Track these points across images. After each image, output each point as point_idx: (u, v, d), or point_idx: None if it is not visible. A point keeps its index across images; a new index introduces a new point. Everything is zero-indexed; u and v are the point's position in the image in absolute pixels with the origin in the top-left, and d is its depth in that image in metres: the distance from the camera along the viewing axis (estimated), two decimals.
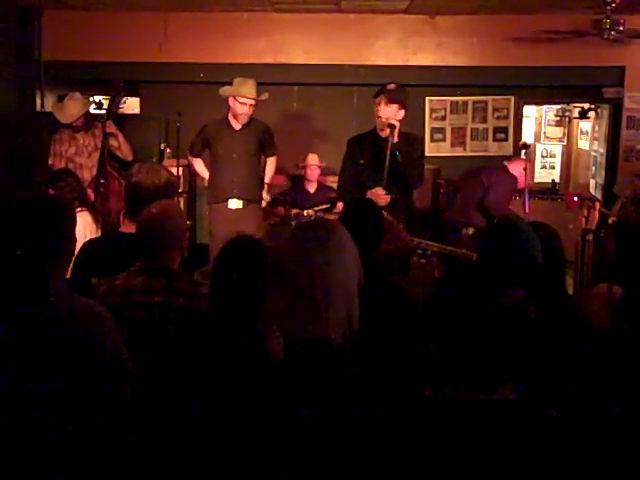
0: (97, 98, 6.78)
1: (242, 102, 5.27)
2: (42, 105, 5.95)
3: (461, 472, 1.50)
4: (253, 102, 5.29)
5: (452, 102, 7.26)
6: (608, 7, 5.40)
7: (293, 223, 5.47)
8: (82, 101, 5.81)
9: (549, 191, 8.33)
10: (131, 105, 7.41)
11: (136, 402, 2.15)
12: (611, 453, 2.03)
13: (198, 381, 1.98)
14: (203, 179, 5.76)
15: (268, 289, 2.09)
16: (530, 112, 8.96)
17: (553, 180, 8.96)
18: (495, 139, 7.29)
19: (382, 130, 4.33)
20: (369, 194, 4.19)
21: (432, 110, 7.27)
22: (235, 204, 5.40)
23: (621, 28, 5.54)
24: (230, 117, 5.39)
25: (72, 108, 5.70)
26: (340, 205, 5.45)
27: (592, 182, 7.89)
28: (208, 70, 6.68)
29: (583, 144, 8.88)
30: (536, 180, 8.85)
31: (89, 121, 5.82)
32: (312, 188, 6.33)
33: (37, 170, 5.85)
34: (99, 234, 4.36)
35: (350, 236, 2.22)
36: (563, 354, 2.27)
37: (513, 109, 7.26)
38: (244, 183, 5.41)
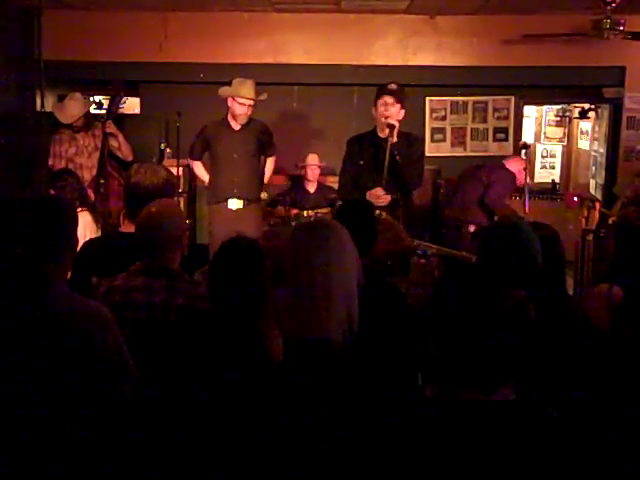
0: (97, 98, 6.79)
1: (241, 103, 5.27)
2: (42, 105, 5.94)
3: (461, 472, 1.50)
4: (252, 103, 5.29)
5: (452, 102, 7.25)
6: (608, 7, 5.39)
7: (293, 223, 5.47)
8: (82, 101, 5.81)
9: (549, 191, 8.33)
10: (131, 105, 7.41)
11: (136, 402, 2.15)
12: (611, 453, 2.03)
13: (198, 381, 1.98)
14: (203, 182, 5.76)
15: (268, 289, 2.09)
16: (530, 112, 8.95)
17: (553, 180, 8.95)
18: (495, 139, 7.29)
19: (382, 130, 4.33)
20: (368, 195, 4.19)
21: (432, 110, 7.27)
22: (235, 204, 5.40)
23: (621, 28, 5.54)
24: (229, 118, 5.39)
25: (72, 108, 5.71)
26: None
27: (592, 182, 7.88)
28: (208, 70, 6.67)
29: (583, 144, 8.87)
30: (536, 180, 8.85)
31: (89, 121, 5.82)
32: (312, 188, 6.33)
33: (37, 170, 5.84)
34: (99, 234, 4.36)
35: (350, 236, 2.22)
36: (563, 354, 2.27)
37: (513, 109, 7.26)
38: (244, 183, 5.41)
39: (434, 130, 7.28)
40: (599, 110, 7.71)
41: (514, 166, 5.73)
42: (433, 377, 1.64)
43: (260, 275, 2.07)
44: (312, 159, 6.26)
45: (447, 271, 3.55)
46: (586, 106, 8.01)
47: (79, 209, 4.09)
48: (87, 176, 5.50)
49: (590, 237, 4.66)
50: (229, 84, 5.40)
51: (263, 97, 5.38)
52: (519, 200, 5.97)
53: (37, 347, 1.97)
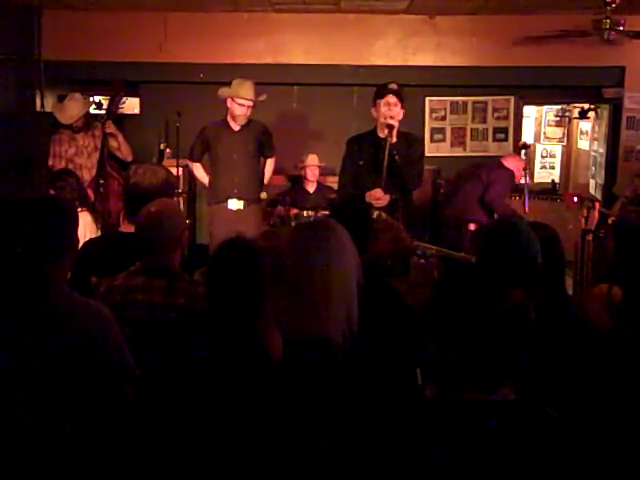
0: (97, 98, 6.78)
1: (240, 103, 5.27)
2: (42, 105, 5.95)
3: (461, 472, 1.50)
4: (251, 103, 5.29)
5: (452, 102, 7.26)
6: (608, 7, 5.40)
7: (293, 223, 5.47)
8: (82, 102, 5.81)
9: (549, 191, 8.33)
10: (131, 105, 7.40)
11: (136, 402, 2.15)
12: (611, 453, 2.03)
13: (198, 381, 1.98)
14: (203, 184, 5.75)
15: (268, 289, 2.09)
16: (530, 112, 8.95)
17: (553, 180, 8.96)
18: (495, 139, 7.30)
19: (382, 130, 4.33)
20: (367, 196, 4.18)
21: (432, 110, 7.28)
22: (236, 204, 5.40)
23: (621, 28, 5.55)
24: (229, 118, 5.39)
25: (72, 109, 5.71)
26: None
27: (592, 182, 7.89)
28: (208, 70, 6.68)
29: (583, 144, 8.88)
30: (536, 180, 8.86)
31: (89, 121, 5.82)
32: (312, 188, 6.33)
33: (37, 170, 5.85)
34: (99, 234, 4.37)
35: (349, 236, 2.22)
36: (563, 354, 2.27)
37: (513, 109, 7.26)
38: (244, 183, 5.41)
39: (434, 130, 7.29)
40: (599, 110, 7.71)
41: (512, 164, 5.80)
42: (433, 377, 1.64)
43: (258, 275, 2.07)
44: (312, 159, 6.26)
45: (447, 271, 3.55)
46: (586, 106, 8.01)
47: (79, 209, 4.09)
48: (87, 176, 5.50)
49: (590, 237, 4.65)
50: (229, 84, 5.40)
51: (262, 98, 5.38)
52: (519, 200, 5.98)
53: (37, 347, 1.97)
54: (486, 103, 7.25)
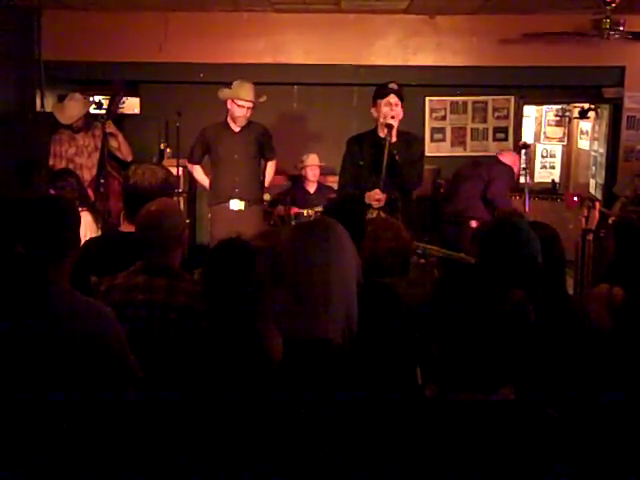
0: (97, 98, 6.78)
1: (240, 105, 5.27)
2: (42, 105, 5.95)
3: (461, 472, 1.50)
4: (251, 105, 5.29)
5: (452, 102, 7.25)
6: (608, 7, 5.40)
7: (293, 223, 5.47)
8: (82, 102, 5.81)
9: (549, 191, 8.33)
10: (131, 105, 7.42)
11: (136, 402, 2.15)
12: (611, 453, 2.03)
13: (197, 381, 1.98)
14: (203, 186, 5.74)
15: (267, 289, 2.08)
16: (530, 112, 8.95)
17: (553, 180, 8.95)
18: (495, 139, 7.29)
19: (383, 130, 4.33)
20: (367, 197, 4.18)
21: (432, 110, 7.27)
22: (237, 205, 5.39)
23: (621, 28, 5.55)
24: (229, 120, 5.39)
25: (72, 109, 5.70)
26: None
27: (592, 182, 7.88)
28: (208, 70, 6.68)
29: (583, 144, 8.88)
30: (536, 180, 8.86)
31: (89, 121, 5.82)
32: (312, 188, 6.33)
33: (37, 170, 5.84)
34: (99, 234, 4.36)
35: (349, 236, 2.22)
36: (563, 354, 2.27)
37: (513, 109, 7.26)
38: (245, 184, 5.40)
39: (434, 130, 7.28)
40: (599, 110, 7.71)
41: (509, 159, 5.85)
42: (433, 377, 1.64)
43: (255, 275, 2.07)
44: (312, 159, 6.26)
45: (447, 271, 3.55)
46: (586, 106, 8.00)
47: (79, 209, 4.09)
48: (87, 176, 5.50)
49: (590, 237, 4.65)
50: (229, 84, 5.40)
51: (262, 99, 5.38)
52: (519, 200, 5.99)
53: (39, 346, 1.97)
54: (486, 103, 7.25)
